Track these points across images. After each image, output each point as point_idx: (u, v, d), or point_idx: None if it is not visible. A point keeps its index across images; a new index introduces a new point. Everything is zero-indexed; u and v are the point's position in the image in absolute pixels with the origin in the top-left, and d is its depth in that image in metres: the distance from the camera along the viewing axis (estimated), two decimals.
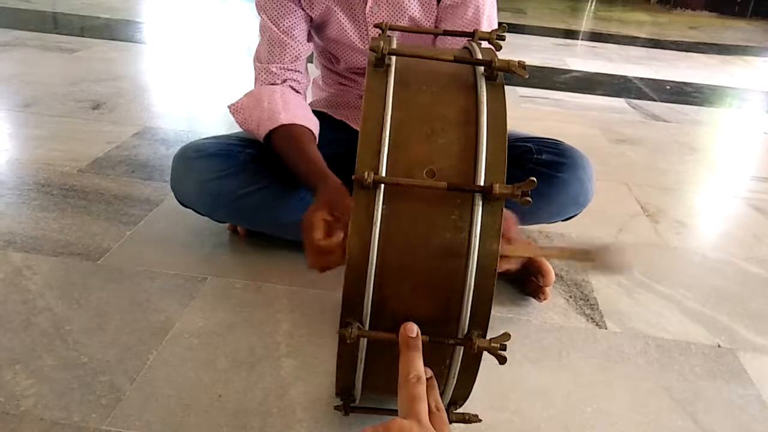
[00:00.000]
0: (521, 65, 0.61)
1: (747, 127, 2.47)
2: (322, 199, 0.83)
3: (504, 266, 0.88)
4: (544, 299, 1.07)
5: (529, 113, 2.27)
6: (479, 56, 0.64)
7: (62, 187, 1.38)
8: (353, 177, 0.58)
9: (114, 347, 0.89)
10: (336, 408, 0.74)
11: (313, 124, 1.06)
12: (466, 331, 0.61)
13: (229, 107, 1.10)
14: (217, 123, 1.91)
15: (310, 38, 1.12)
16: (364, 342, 0.63)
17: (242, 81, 2.38)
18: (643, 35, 4.64)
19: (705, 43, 4.39)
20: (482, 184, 0.58)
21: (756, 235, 1.45)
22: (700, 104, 2.67)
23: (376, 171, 0.58)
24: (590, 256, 0.72)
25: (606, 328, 1.04)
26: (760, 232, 1.47)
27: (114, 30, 3.15)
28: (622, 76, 3.06)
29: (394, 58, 0.63)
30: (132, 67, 2.57)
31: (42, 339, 0.90)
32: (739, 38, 4.80)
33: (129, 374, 0.85)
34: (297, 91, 1.10)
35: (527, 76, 0.61)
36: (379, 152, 0.59)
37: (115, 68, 2.42)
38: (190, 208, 1.14)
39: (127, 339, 0.91)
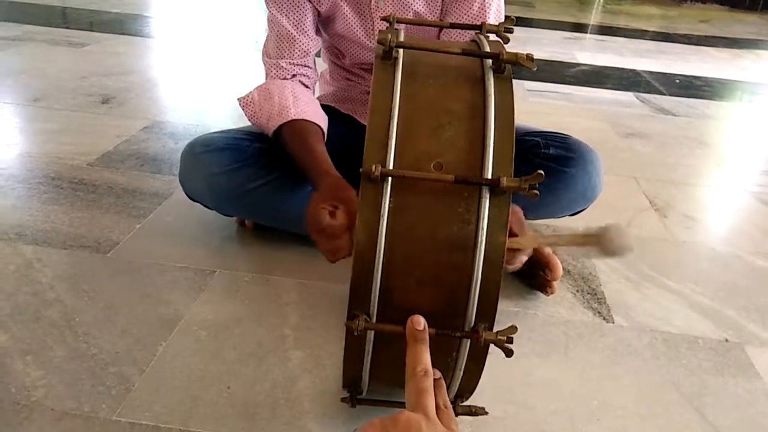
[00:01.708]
0: (529, 58, 0.61)
1: (757, 121, 2.45)
2: (322, 192, 0.84)
3: (511, 265, 0.88)
4: (552, 293, 1.07)
5: (538, 107, 2.26)
6: (487, 49, 0.64)
7: (72, 180, 1.39)
8: (360, 170, 0.58)
9: (123, 339, 0.90)
10: (343, 400, 0.74)
11: (323, 120, 1.06)
12: (472, 324, 0.61)
13: (238, 100, 1.10)
14: (226, 117, 1.92)
15: (318, 32, 1.12)
16: (371, 334, 0.63)
17: (250, 75, 2.40)
18: (652, 29, 4.61)
19: (715, 37, 4.36)
20: (489, 177, 0.58)
21: (765, 230, 1.44)
22: (710, 98, 2.65)
23: (384, 164, 0.58)
24: (591, 240, 0.73)
25: (613, 322, 1.04)
26: None
27: (123, 24, 3.16)
28: (631, 70, 3.05)
29: (401, 50, 0.63)
30: (141, 61, 2.58)
31: (52, 330, 0.91)
32: (749, 32, 4.75)
33: (138, 365, 0.85)
34: (306, 86, 1.11)
35: (535, 69, 0.61)
36: (386, 145, 0.59)
37: (124, 62, 2.44)
38: (198, 201, 1.14)
39: (137, 331, 0.92)
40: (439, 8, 1.06)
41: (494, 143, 0.59)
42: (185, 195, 1.15)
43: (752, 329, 1.05)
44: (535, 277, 1.08)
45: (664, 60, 3.37)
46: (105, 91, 2.04)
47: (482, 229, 0.59)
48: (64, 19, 3.26)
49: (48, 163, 1.47)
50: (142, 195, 1.34)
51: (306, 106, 1.05)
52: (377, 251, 0.59)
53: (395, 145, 0.59)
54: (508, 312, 1.04)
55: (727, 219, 1.54)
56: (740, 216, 1.55)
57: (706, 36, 4.37)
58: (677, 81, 2.90)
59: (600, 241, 0.72)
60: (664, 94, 2.61)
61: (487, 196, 0.59)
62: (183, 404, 0.80)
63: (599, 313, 1.07)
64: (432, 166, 0.59)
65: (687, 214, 1.49)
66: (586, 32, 4.33)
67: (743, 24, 5.17)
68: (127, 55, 2.59)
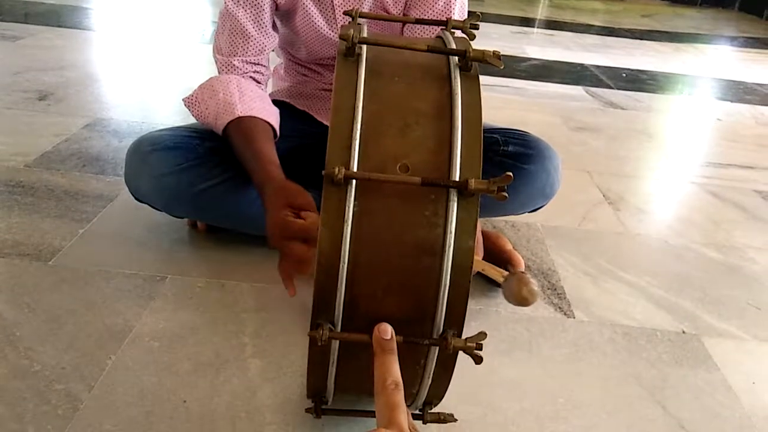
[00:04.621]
0: (496, 55, 0.59)
1: (700, 113, 2.53)
2: (276, 200, 0.78)
3: None
4: None
5: (491, 102, 2.27)
6: (453, 46, 0.62)
7: (8, 183, 1.30)
8: (323, 172, 0.55)
9: (69, 353, 0.85)
10: (308, 411, 0.71)
11: (272, 116, 1.02)
12: (441, 330, 0.59)
13: (183, 101, 1.05)
14: (172, 113, 1.84)
15: (274, 28, 1.08)
16: (335, 344, 0.60)
17: (196, 68, 2.32)
18: (597, 23, 4.71)
19: (658, 31, 4.49)
20: (457, 179, 0.56)
21: (714, 221, 1.48)
22: (655, 91, 2.73)
23: (347, 166, 0.55)
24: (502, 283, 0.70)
25: (574, 317, 1.05)
26: (717, 217, 1.51)
27: (60, 16, 3.01)
28: (579, 64, 3.10)
29: (365, 47, 0.61)
30: (80, 55, 2.46)
31: None
32: (689, 26, 4.92)
33: (86, 382, 0.80)
34: (258, 82, 1.06)
35: (503, 67, 0.59)
36: (350, 146, 0.56)
37: (62, 56, 2.32)
38: (146, 203, 1.09)
39: (83, 344, 0.87)
40: (403, 1, 1.03)
41: (462, 144, 0.57)
42: (131, 196, 1.09)
43: (708, 320, 1.07)
44: None
45: (610, 54, 3.44)
46: (42, 87, 1.94)
47: (450, 232, 0.57)
48: None
49: None
50: (85, 197, 1.27)
51: (252, 101, 1.00)
52: (341, 257, 0.56)
53: (359, 145, 0.56)
54: (470, 310, 1.01)
55: (677, 211, 1.57)
56: (689, 207, 1.58)
57: (648, 30, 4.49)
58: (624, 75, 2.96)
59: (503, 289, 0.70)
60: (612, 88, 2.66)
61: (455, 199, 0.56)
62: (136, 422, 0.75)
63: (560, 308, 1.07)
64: (398, 167, 0.57)
65: (639, 207, 1.52)
66: (534, 26, 4.38)
67: (683, 18, 5.34)
68: (65, 48, 2.46)
